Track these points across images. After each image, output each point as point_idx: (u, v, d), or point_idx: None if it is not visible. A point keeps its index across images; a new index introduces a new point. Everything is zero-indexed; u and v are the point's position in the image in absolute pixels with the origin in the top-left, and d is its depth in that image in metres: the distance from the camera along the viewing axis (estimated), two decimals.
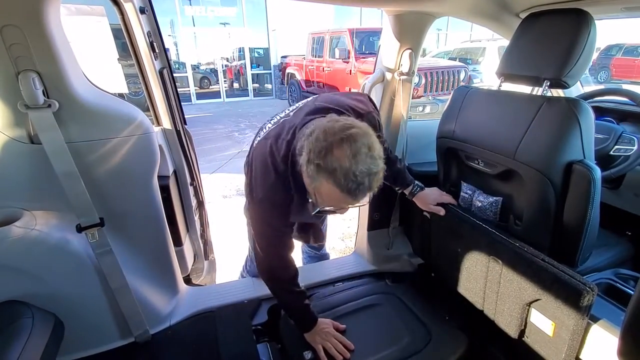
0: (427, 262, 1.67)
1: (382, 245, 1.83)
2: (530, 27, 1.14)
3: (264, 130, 1.13)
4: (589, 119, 0.99)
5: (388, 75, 1.51)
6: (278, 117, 1.14)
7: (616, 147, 1.40)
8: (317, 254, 1.90)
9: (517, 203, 1.20)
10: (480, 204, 1.31)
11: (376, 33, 7.10)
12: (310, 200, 1.01)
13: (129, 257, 1.20)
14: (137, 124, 1.11)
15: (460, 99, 1.33)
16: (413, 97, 1.53)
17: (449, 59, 7.85)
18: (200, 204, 1.72)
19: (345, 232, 3.10)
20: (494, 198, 1.27)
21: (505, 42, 1.31)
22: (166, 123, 1.42)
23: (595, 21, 1.03)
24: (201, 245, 1.76)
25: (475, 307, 1.30)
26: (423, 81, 5.82)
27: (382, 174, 0.86)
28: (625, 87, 2.95)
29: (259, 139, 1.11)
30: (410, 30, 1.40)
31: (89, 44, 1.41)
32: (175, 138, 1.44)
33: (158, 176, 1.25)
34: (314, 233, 1.45)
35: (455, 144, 1.35)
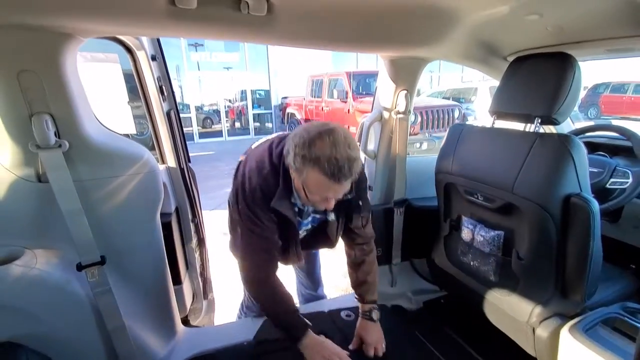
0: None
1: (386, 282, 1.80)
2: (518, 69, 1.21)
3: (262, 139, 1.26)
4: (581, 153, 1.03)
5: (385, 114, 1.58)
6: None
7: (611, 180, 1.43)
8: (313, 295, 1.84)
9: (519, 237, 1.20)
10: (482, 238, 1.31)
11: (372, 75, 7.44)
12: (293, 202, 1.13)
13: (127, 296, 1.18)
14: (143, 162, 1.14)
15: (456, 136, 1.38)
16: (410, 135, 1.59)
17: (442, 98, 8.17)
18: (201, 241, 1.71)
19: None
20: (496, 232, 1.27)
21: (496, 83, 1.38)
22: (171, 161, 1.46)
23: (580, 63, 1.10)
24: (200, 283, 1.73)
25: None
26: (419, 119, 6.01)
27: (360, 161, 0.97)
28: (615, 122, 3.04)
29: (254, 145, 1.24)
30: (405, 73, 1.49)
31: (102, 87, 1.49)
32: (179, 175, 1.47)
33: (161, 213, 1.26)
34: (295, 251, 1.31)
35: (454, 179, 1.37)
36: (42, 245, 1.04)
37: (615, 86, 11.85)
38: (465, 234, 1.40)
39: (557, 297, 1.14)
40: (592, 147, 1.63)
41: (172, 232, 1.43)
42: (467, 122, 6.35)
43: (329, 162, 0.89)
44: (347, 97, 7.09)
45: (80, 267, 1.03)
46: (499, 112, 1.27)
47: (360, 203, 1.26)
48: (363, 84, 7.47)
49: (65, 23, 0.88)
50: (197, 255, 1.67)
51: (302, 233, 1.29)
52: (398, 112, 1.54)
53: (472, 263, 1.39)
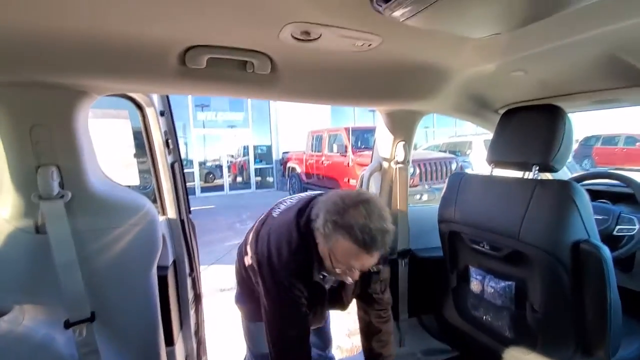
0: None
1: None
2: (509, 121, 1.26)
3: (282, 206, 1.22)
4: (584, 198, 1.02)
5: (385, 165, 1.61)
6: (294, 198, 1.25)
7: (618, 227, 1.41)
8: (322, 355, 1.72)
9: (531, 288, 1.15)
10: (492, 290, 1.25)
11: (370, 130, 7.74)
12: (317, 273, 1.06)
13: (115, 357, 1.09)
14: (143, 212, 1.13)
15: (456, 185, 1.39)
16: (410, 187, 1.61)
17: (439, 152, 8.40)
18: (197, 297, 1.63)
19: (352, 328, 2.85)
20: (506, 283, 1.22)
21: (489, 136, 1.43)
22: (171, 213, 1.45)
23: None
24: (194, 345, 1.60)
25: None
26: (418, 171, 6.11)
27: (392, 234, 0.94)
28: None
29: (276, 213, 1.20)
30: (402, 125, 1.55)
31: (112, 142, 1.55)
32: (179, 227, 1.45)
33: (157, 266, 1.22)
34: (321, 313, 1.31)
35: (457, 228, 1.35)
36: (33, 299, 0.99)
37: (606, 138, 12.25)
38: (475, 286, 1.34)
39: (580, 354, 1.05)
40: (594, 194, 1.63)
41: (168, 287, 1.37)
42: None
43: (362, 231, 0.87)
44: (346, 151, 7.29)
45: (68, 325, 0.97)
46: (496, 161, 1.30)
47: (380, 267, 1.17)
48: (362, 138, 7.74)
49: (82, 81, 0.93)
50: (192, 312, 1.57)
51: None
52: (397, 162, 1.58)
53: (484, 317, 1.31)
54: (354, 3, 0.66)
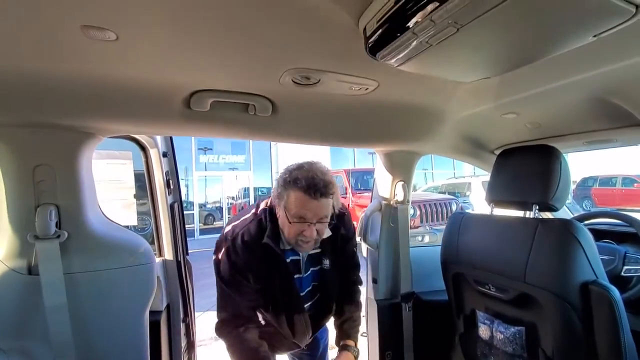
0: None
1: None
2: (506, 161, 1.28)
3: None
4: (587, 237, 1.01)
5: (385, 204, 1.61)
6: None
7: (625, 267, 1.36)
8: None
9: (542, 333, 1.09)
10: (502, 336, 1.19)
11: (369, 172, 7.83)
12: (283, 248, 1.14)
13: None
14: (139, 254, 1.11)
15: (457, 225, 1.38)
16: (411, 228, 1.60)
17: (438, 193, 8.42)
18: (191, 345, 1.54)
19: None
20: (516, 328, 1.15)
21: (487, 177, 1.45)
22: (168, 254, 1.42)
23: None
24: None
25: None
26: (418, 212, 6.08)
27: (336, 187, 1.07)
28: None
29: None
30: (400, 166, 1.58)
31: (114, 183, 1.56)
32: (175, 269, 1.41)
33: (150, 311, 1.17)
34: (302, 319, 1.21)
35: (461, 269, 1.32)
36: (19, 345, 0.94)
37: (603, 179, 12.35)
38: (483, 332, 1.27)
39: None
40: (596, 234, 1.60)
41: (160, 334, 1.30)
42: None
43: (306, 180, 1.01)
44: (346, 193, 7.32)
45: None
46: (495, 200, 1.30)
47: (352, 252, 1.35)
48: (361, 180, 7.80)
49: (89, 123, 0.96)
50: None
51: (304, 297, 1.24)
52: (397, 202, 1.58)
53: None
54: (350, 52, 0.71)
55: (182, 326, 1.46)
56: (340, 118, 1.12)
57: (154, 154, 1.31)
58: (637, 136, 1.16)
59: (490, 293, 1.22)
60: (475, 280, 1.27)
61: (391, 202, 1.60)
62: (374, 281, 1.65)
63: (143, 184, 1.42)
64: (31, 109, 0.86)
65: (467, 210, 7.39)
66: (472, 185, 8.70)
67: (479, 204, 7.75)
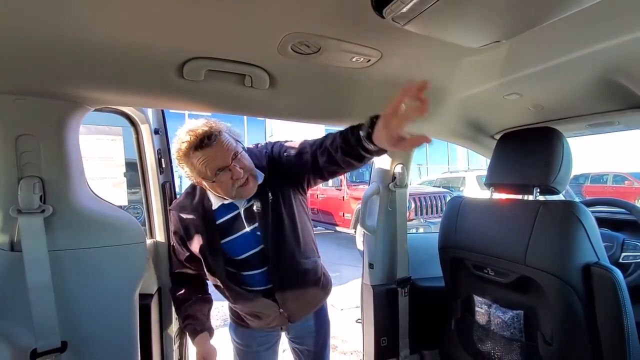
0: None
1: None
2: (507, 144, 1.25)
3: None
4: (590, 219, 0.99)
5: (383, 188, 1.58)
6: None
7: (623, 254, 1.36)
8: None
9: (542, 317, 1.07)
10: (499, 320, 1.17)
11: (365, 165, 7.81)
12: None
13: None
14: (129, 232, 1.07)
15: (456, 209, 1.36)
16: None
17: (433, 187, 8.45)
18: (183, 330, 1.50)
19: None
20: (514, 312, 1.14)
21: (482, 172, 1.42)
22: (160, 235, 1.38)
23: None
24: None
25: None
26: (413, 205, 6.08)
27: (217, 123, 1.03)
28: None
29: None
30: None
31: (103, 160, 1.51)
32: (167, 251, 1.37)
33: (140, 294, 1.13)
34: (233, 280, 1.14)
35: (460, 253, 1.30)
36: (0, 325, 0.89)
37: (595, 177, 12.50)
38: (480, 317, 1.26)
39: None
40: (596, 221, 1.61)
41: (150, 318, 1.26)
42: None
43: (190, 141, 0.98)
44: (341, 185, 7.29)
45: (35, 355, 0.87)
46: (495, 183, 1.28)
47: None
48: (357, 173, 7.76)
49: (75, 92, 0.91)
50: (175, 347, 1.44)
51: (246, 255, 1.13)
52: (396, 185, 1.55)
53: (492, 352, 1.21)
54: (354, 13, 0.66)
55: (174, 310, 1.43)
56: (340, 94, 1.08)
57: (145, 130, 1.26)
58: (638, 118, 1.14)
59: (488, 277, 1.20)
60: (473, 265, 1.26)
61: (390, 186, 1.57)
62: (371, 266, 1.62)
63: (136, 173, 1.38)
64: (13, 75, 0.81)
65: None
66: (466, 180, 8.74)
67: (473, 196, 7.81)
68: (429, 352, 1.62)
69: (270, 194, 1.12)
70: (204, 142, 0.98)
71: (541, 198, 1.16)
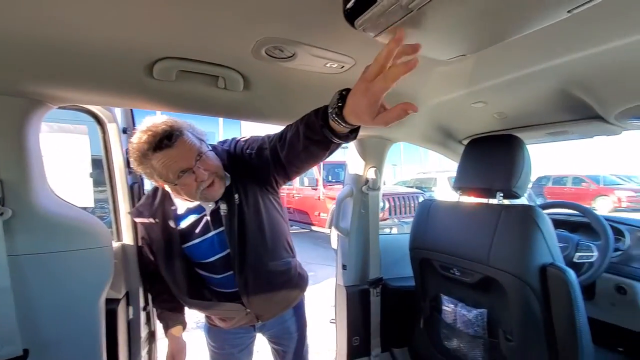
0: None
1: None
2: (473, 150, 1.32)
3: None
4: (547, 222, 1.06)
5: (356, 190, 1.61)
6: None
7: (577, 254, 1.46)
8: None
9: (503, 314, 1.14)
10: (464, 318, 1.23)
11: (341, 165, 7.87)
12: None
13: None
14: (94, 236, 1.03)
15: (425, 211, 1.41)
16: (380, 220, 1.62)
17: (407, 187, 8.66)
18: (152, 335, 1.46)
19: None
20: (478, 310, 1.20)
21: (453, 173, 1.49)
22: (128, 238, 1.33)
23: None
24: None
25: None
26: (387, 205, 6.21)
27: (179, 122, 0.98)
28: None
29: None
30: (373, 151, 1.58)
31: (67, 159, 1.44)
32: (135, 255, 1.33)
33: (107, 299, 1.09)
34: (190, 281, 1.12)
35: (428, 254, 1.35)
36: None
37: (556, 179, 13.27)
38: (447, 315, 1.31)
39: None
40: (553, 223, 1.71)
41: (117, 323, 1.22)
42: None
43: (149, 142, 0.92)
44: (317, 185, 7.32)
45: None
46: (462, 187, 1.34)
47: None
48: (332, 173, 7.83)
49: (37, 90, 0.87)
50: (144, 352, 1.40)
51: (212, 259, 1.10)
52: (369, 188, 1.58)
53: (458, 349, 1.27)
54: (327, 21, 0.67)
55: (143, 315, 1.39)
56: (314, 99, 1.08)
57: (112, 129, 1.21)
58: (591, 129, 1.23)
59: (455, 277, 1.25)
60: (441, 265, 1.31)
61: (363, 188, 1.60)
62: (344, 267, 1.65)
63: (102, 170, 1.32)
64: None
65: None
66: (437, 181, 9.03)
67: (444, 198, 8.08)
68: (399, 350, 1.67)
69: (236, 196, 1.08)
70: (163, 142, 0.93)
71: (506, 202, 1.23)
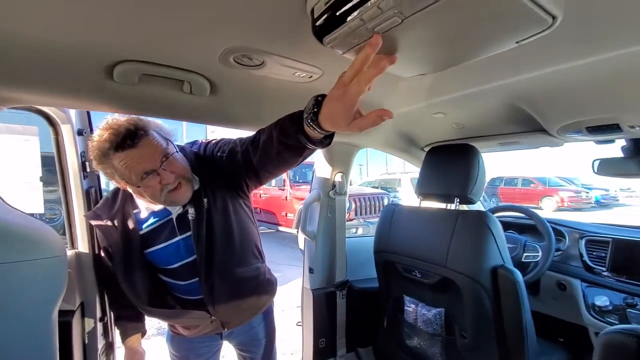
0: None
1: None
2: (433, 157, 1.39)
3: None
4: (498, 227, 1.15)
5: (323, 195, 1.64)
6: None
7: (525, 254, 1.59)
8: None
9: (459, 313, 1.21)
10: (424, 317, 1.30)
11: (308, 165, 7.88)
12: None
13: None
14: (47, 245, 0.96)
15: (389, 216, 1.46)
16: (346, 221, 1.67)
17: (372, 187, 8.88)
18: (110, 346, 1.39)
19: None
20: (437, 310, 1.27)
21: (415, 175, 1.56)
22: (83, 246, 1.26)
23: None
24: None
25: None
26: (353, 206, 6.33)
27: (145, 121, 0.94)
28: None
29: None
30: (340, 157, 1.62)
31: (16, 162, 1.32)
32: (91, 263, 1.26)
33: (60, 311, 1.03)
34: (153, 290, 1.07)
35: (392, 257, 1.40)
36: None
37: (507, 180, 14.23)
38: (408, 315, 1.37)
39: None
40: (503, 225, 1.84)
41: (72, 335, 1.15)
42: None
43: (111, 140, 0.87)
44: (284, 185, 7.29)
45: None
46: (424, 193, 1.41)
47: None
48: (299, 173, 7.83)
49: None
50: None
51: (177, 265, 1.05)
52: (335, 193, 1.61)
53: (418, 346, 1.34)
54: (296, 35, 0.69)
55: (100, 325, 1.32)
56: (283, 105, 1.09)
57: (66, 130, 1.14)
58: (537, 140, 1.34)
59: (416, 279, 1.32)
60: (403, 267, 1.37)
61: (330, 193, 1.63)
62: (311, 271, 1.67)
63: (53, 168, 1.23)
64: None
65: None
66: (402, 181, 9.34)
67: (407, 198, 8.36)
68: (363, 350, 1.72)
69: (205, 200, 1.03)
70: (126, 142, 0.87)
71: (464, 207, 1.32)
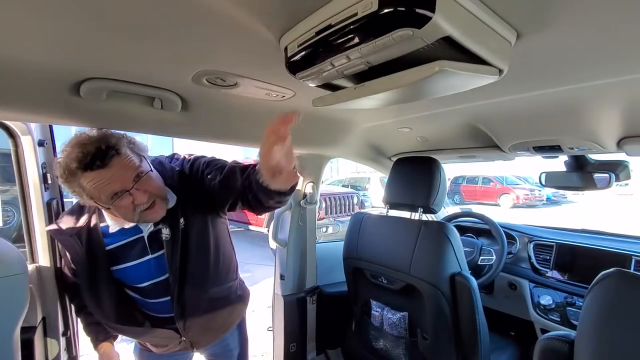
0: None
1: None
2: (399, 168, 1.47)
3: None
4: (456, 237, 1.24)
5: (294, 204, 1.67)
6: None
7: (481, 257, 1.72)
8: None
9: (420, 317, 1.30)
10: (390, 321, 1.38)
11: None
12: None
13: None
14: (5, 262, 0.93)
15: (358, 224, 1.53)
16: (317, 220, 1.73)
17: (342, 186, 9.01)
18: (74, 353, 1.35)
19: None
20: (401, 314, 1.35)
21: (384, 174, 1.64)
22: (44, 259, 1.21)
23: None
24: None
25: None
26: (324, 205, 6.41)
27: (117, 138, 0.89)
28: (474, 207, 3.81)
29: None
30: (310, 167, 1.66)
31: None
32: (53, 277, 1.22)
33: (21, 327, 0.99)
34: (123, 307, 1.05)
35: (360, 264, 1.47)
36: None
37: (469, 178, 14.97)
38: (375, 318, 1.45)
39: None
40: (462, 230, 1.98)
41: (34, 352, 1.11)
42: (365, 209, 7.07)
43: (79, 159, 0.82)
44: None
45: None
46: (390, 202, 1.49)
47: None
48: None
49: None
50: None
51: (148, 284, 1.02)
52: (306, 202, 1.66)
53: (384, 348, 1.42)
54: (269, 63, 0.71)
55: (63, 340, 1.27)
56: (255, 121, 1.11)
57: (26, 142, 1.09)
58: (492, 155, 1.46)
59: (382, 285, 1.39)
60: (371, 274, 1.44)
61: (301, 202, 1.67)
62: (282, 277, 1.71)
63: (7, 167, 1.16)
64: None
65: (365, 204, 8.12)
66: (371, 180, 9.57)
67: (376, 196, 8.58)
68: (333, 351, 1.79)
69: (182, 219, 0.99)
70: (95, 162, 0.82)
71: (429, 216, 1.41)
